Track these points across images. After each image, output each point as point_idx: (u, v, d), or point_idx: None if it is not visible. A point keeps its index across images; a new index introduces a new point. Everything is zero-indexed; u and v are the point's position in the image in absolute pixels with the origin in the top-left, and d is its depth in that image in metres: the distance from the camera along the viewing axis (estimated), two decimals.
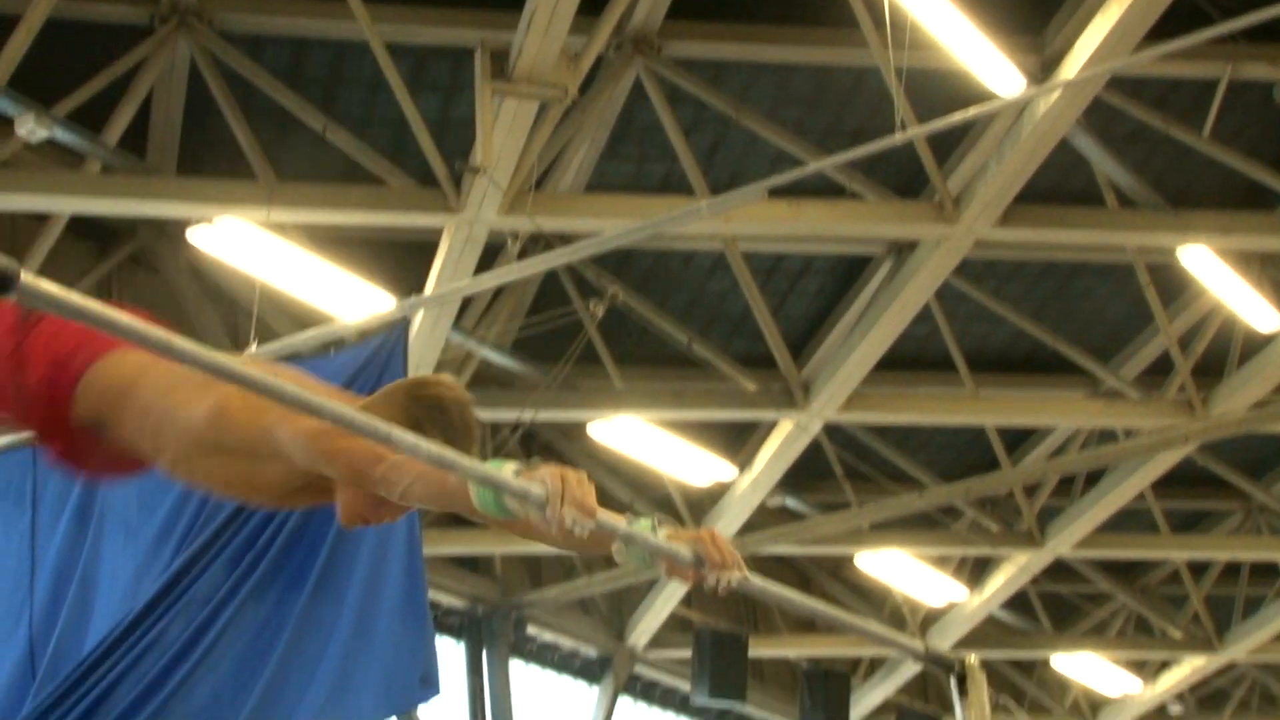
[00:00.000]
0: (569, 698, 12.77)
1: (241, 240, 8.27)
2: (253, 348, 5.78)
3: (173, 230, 9.43)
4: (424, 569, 5.29)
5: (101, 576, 5.44)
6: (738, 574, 2.96)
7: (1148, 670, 15.52)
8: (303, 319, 8.99)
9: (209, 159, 8.94)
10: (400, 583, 5.18)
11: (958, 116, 7.21)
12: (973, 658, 4.21)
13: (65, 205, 8.54)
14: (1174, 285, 10.91)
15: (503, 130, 7.89)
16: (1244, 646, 14.66)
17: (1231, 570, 14.79)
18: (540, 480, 2.60)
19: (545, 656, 12.73)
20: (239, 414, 2.97)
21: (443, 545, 11.33)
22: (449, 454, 2.54)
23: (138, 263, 9.80)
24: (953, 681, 4.15)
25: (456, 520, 11.60)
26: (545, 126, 8.25)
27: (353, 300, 8.54)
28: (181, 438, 3.04)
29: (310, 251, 8.56)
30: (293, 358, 6.67)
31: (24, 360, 3.07)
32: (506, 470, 2.62)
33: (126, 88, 8.38)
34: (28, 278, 2.06)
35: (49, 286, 2.09)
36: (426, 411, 2.97)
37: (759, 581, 3.16)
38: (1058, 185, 9.87)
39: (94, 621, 5.33)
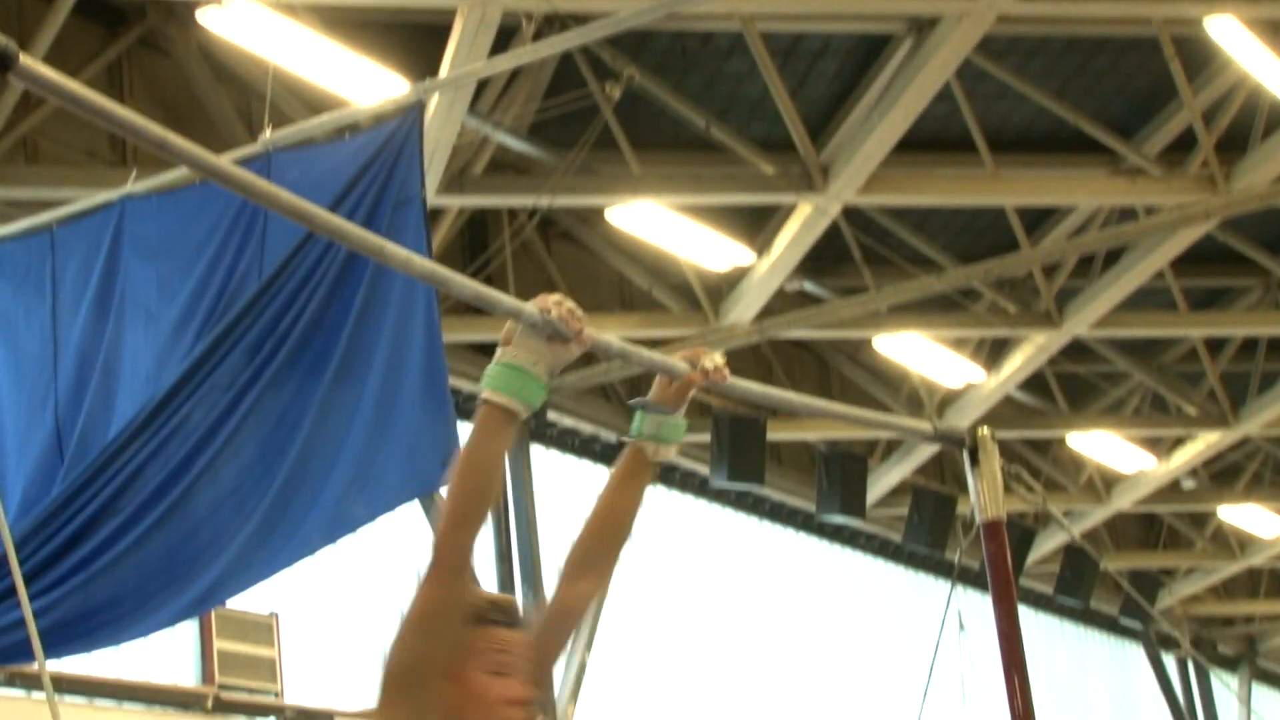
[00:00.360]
0: (589, 482, 12.94)
1: (253, 22, 8.14)
2: (267, 133, 5.71)
3: (182, 12, 9.27)
4: (444, 353, 5.31)
5: (124, 362, 5.48)
6: (718, 359, 3.31)
7: (1162, 447, 15.67)
8: (316, 103, 8.89)
9: None
10: (421, 368, 5.21)
11: None
12: (984, 430, 4.24)
13: None
14: (1200, 58, 10.72)
15: None
16: (1258, 421, 14.77)
17: (1248, 346, 14.82)
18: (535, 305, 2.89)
19: (565, 442, 12.86)
20: None
21: (462, 332, 11.37)
22: (494, 294, 2.65)
23: (147, 45, 9.66)
24: (965, 456, 4.18)
25: (476, 308, 11.61)
26: None
27: (366, 84, 8.44)
28: None
29: (323, 34, 8.42)
30: (307, 143, 6.61)
31: None
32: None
33: None
34: (27, 60, 2.01)
35: (47, 71, 2.04)
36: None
37: (758, 389, 3.29)
38: None
39: (118, 406, 5.38)
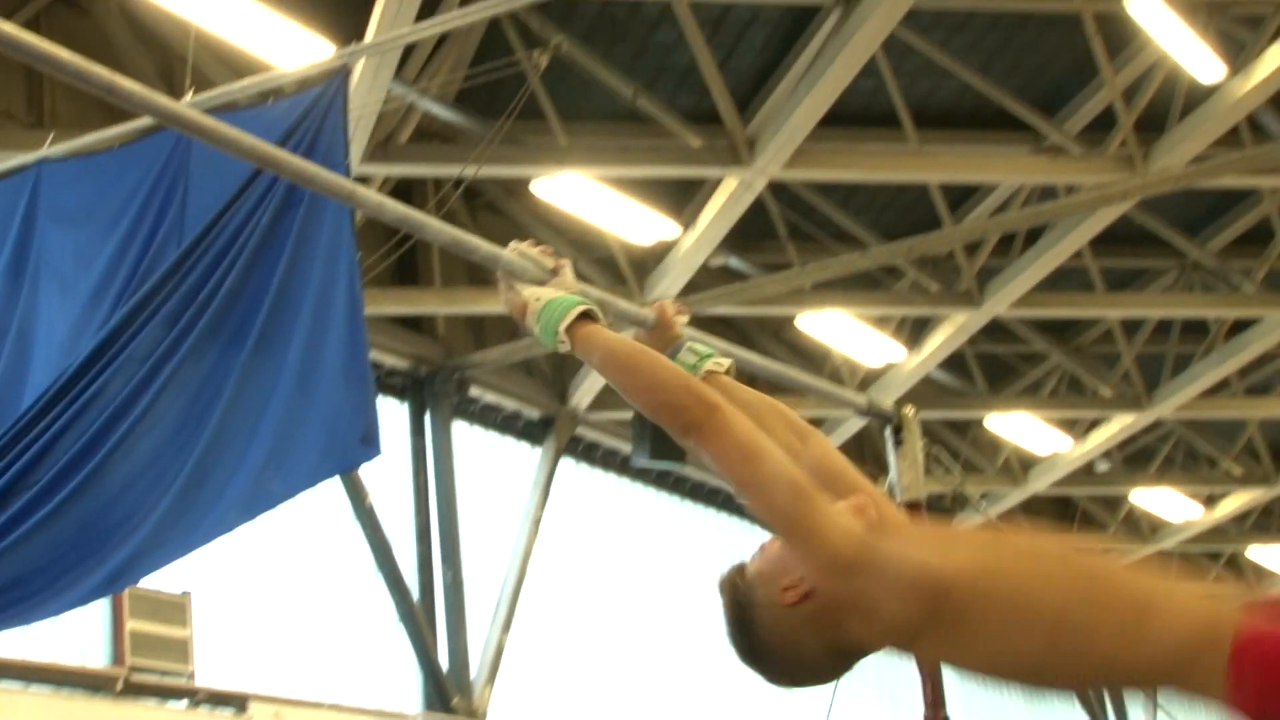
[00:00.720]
0: (511, 459, 12.85)
1: None
2: (189, 96, 5.57)
3: None
4: (365, 328, 5.19)
5: (38, 331, 5.33)
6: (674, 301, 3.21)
7: (1078, 429, 15.82)
8: (240, 67, 8.70)
9: None
10: (341, 342, 5.09)
11: None
12: (909, 409, 4.21)
13: None
14: (1121, 37, 10.77)
15: None
16: (1171, 404, 14.93)
17: (1163, 328, 14.98)
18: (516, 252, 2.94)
19: (488, 418, 12.75)
20: None
21: (385, 305, 11.22)
22: (473, 240, 2.57)
23: (66, 3, 9.42)
24: (888, 434, 4.15)
25: (399, 279, 11.48)
26: None
27: (291, 48, 8.27)
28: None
29: None
30: (229, 107, 6.45)
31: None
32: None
33: None
34: None
35: None
36: None
37: (702, 337, 3.21)
38: None
39: (31, 377, 5.23)
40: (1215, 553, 19.97)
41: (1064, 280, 13.41)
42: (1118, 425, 15.30)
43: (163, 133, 5.43)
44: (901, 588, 2.30)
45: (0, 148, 7.98)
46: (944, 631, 2.28)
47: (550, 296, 2.81)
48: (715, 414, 2.50)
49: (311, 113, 5.49)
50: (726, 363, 3.04)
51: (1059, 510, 18.94)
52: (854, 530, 2.40)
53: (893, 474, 4.07)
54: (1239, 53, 10.51)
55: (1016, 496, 16.51)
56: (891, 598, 2.31)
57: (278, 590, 10.53)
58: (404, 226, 2.44)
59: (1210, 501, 17.81)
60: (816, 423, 14.80)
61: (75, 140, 5.54)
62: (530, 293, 2.85)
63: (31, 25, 9.15)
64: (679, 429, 2.50)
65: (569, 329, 2.73)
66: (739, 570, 2.53)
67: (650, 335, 3.24)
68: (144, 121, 5.53)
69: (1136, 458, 17.41)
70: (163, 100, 2.07)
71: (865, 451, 15.83)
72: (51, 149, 5.58)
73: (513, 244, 3.01)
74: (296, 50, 8.21)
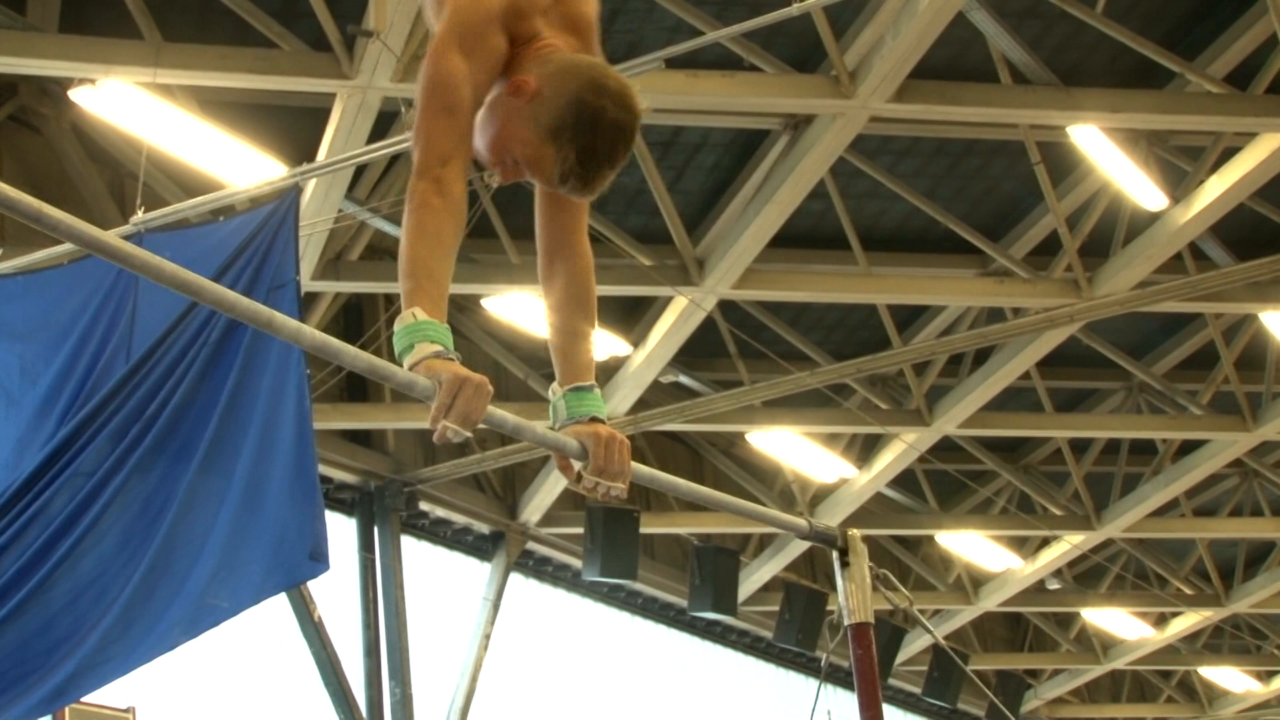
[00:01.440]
0: (461, 574, 12.80)
1: (127, 102, 8.04)
2: (139, 214, 5.63)
3: (55, 90, 9.14)
4: (314, 443, 5.22)
5: None
6: (620, 486, 2.94)
7: (1028, 547, 15.89)
8: (191, 185, 8.78)
9: (92, 16, 8.63)
10: (290, 457, 5.12)
11: None
12: (854, 532, 4.26)
13: None
14: (1064, 164, 11.00)
15: None
16: (1120, 524, 15.02)
17: (1112, 448, 15.12)
18: (434, 380, 2.58)
19: (437, 532, 12.72)
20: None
21: (334, 420, 11.23)
22: (389, 367, 2.57)
23: (19, 122, 9.49)
24: (835, 556, 4.19)
25: (350, 394, 11.50)
26: None
27: (243, 167, 8.35)
28: None
29: (199, 116, 8.33)
30: (180, 225, 6.51)
31: None
32: (419, 350, 2.58)
33: None
34: None
35: None
36: (578, 121, 2.79)
37: (646, 470, 3.17)
38: (953, 61, 9.87)
39: None
40: (1168, 672, 20.01)
41: (1013, 400, 13.55)
42: (1068, 544, 15.38)
43: None
44: None
45: None
46: None
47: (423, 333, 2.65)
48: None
49: (263, 230, 5.56)
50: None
51: (1010, 627, 18.95)
52: None
53: (840, 597, 4.10)
54: (1180, 181, 10.75)
55: (968, 614, 16.52)
56: None
57: (223, 705, 10.40)
58: (321, 354, 2.47)
59: (1161, 621, 17.86)
60: (766, 540, 14.84)
61: (24, 257, 5.57)
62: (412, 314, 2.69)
63: None
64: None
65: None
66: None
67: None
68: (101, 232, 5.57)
69: (1087, 576, 17.48)
70: (88, 229, 2.12)
71: (817, 567, 15.86)
72: (0, 265, 5.61)
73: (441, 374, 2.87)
74: (249, 169, 8.30)
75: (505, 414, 2.74)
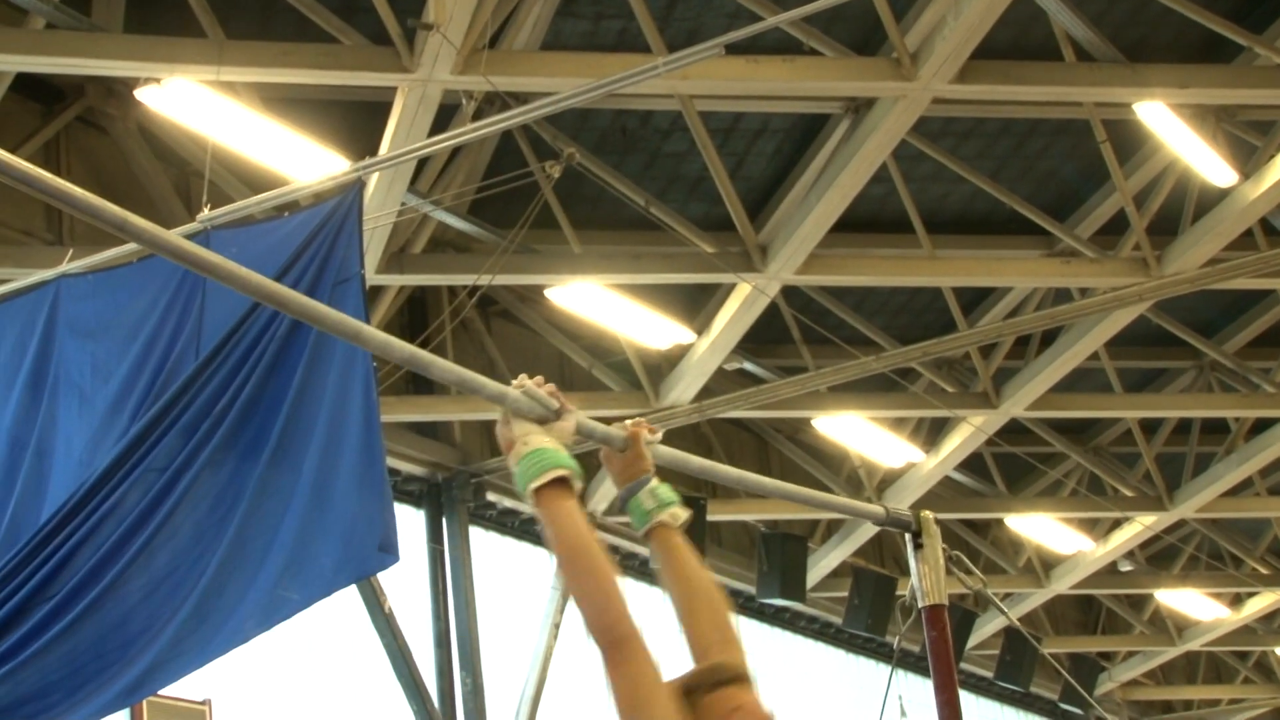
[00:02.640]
0: (528, 564, 12.84)
1: (191, 100, 8.11)
2: (205, 211, 5.67)
3: (121, 90, 9.23)
4: (382, 436, 5.24)
5: (57, 444, 5.38)
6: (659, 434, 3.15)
7: (1099, 529, 15.75)
8: (255, 181, 8.85)
9: (157, 16, 8.71)
10: (358, 449, 5.14)
11: None
12: (928, 514, 4.23)
13: (8, 63, 8.32)
14: (1131, 141, 10.88)
15: None
16: (1193, 505, 14.86)
17: (1183, 428, 14.96)
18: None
19: (505, 523, 12.76)
20: None
21: (401, 412, 11.30)
22: (478, 379, 2.65)
23: (86, 123, 9.60)
24: (908, 538, 4.16)
25: (415, 387, 11.56)
26: None
27: (306, 162, 8.41)
28: None
29: (262, 112, 8.39)
30: (245, 221, 6.55)
31: None
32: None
33: None
34: None
35: None
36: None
37: (722, 468, 3.21)
38: (1016, 40, 9.78)
39: (50, 490, 5.28)
40: (1244, 652, 19.79)
41: (1081, 381, 13.43)
42: (1140, 525, 15.24)
43: None
44: None
45: (21, 265, 8.13)
46: None
47: (537, 445, 2.83)
48: (630, 643, 2.67)
49: (327, 225, 5.58)
50: (683, 516, 3.10)
51: (1083, 610, 18.80)
52: None
53: (914, 579, 4.08)
54: (1249, 156, 10.60)
55: (1040, 597, 16.40)
56: None
57: (297, 697, 10.50)
58: (410, 366, 2.49)
59: (1236, 601, 17.66)
60: (834, 526, 14.79)
61: (94, 256, 5.63)
62: (521, 432, 2.86)
63: (52, 145, 9.34)
64: (595, 635, 2.68)
65: (539, 489, 2.77)
66: None
67: (619, 458, 3.23)
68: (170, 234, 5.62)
69: (1160, 557, 17.31)
70: (174, 239, 2.14)
71: (885, 552, 15.79)
72: (71, 265, 5.67)
73: (520, 378, 2.97)
74: (312, 164, 8.35)
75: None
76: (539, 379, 2.96)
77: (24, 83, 8.95)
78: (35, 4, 7.96)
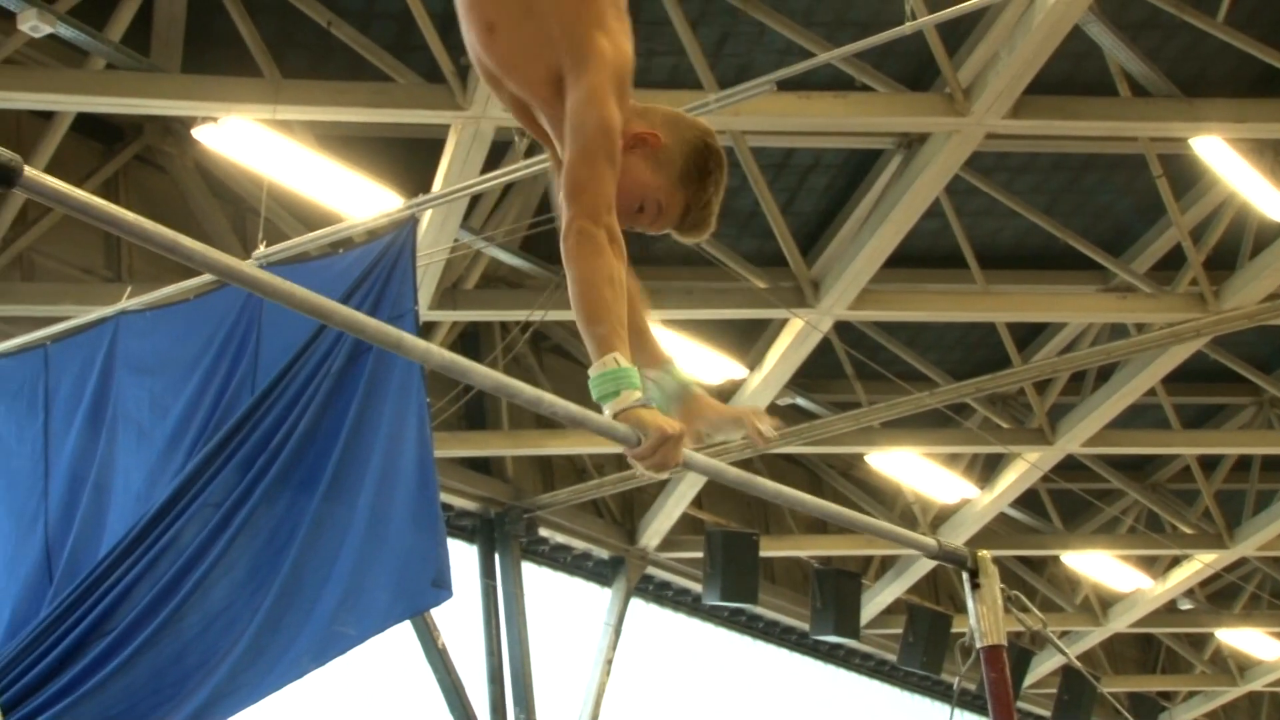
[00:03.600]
0: (582, 599, 12.82)
1: (247, 138, 8.19)
2: (261, 248, 5.73)
3: (178, 129, 9.34)
4: (435, 472, 5.27)
5: (115, 480, 5.44)
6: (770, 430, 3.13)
7: (1158, 566, 15.57)
8: (310, 218, 8.92)
9: (213, 56, 8.81)
10: (412, 485, 5.17)
11: (968, 4, 7.11)
12: (985, 553, 4.19)
13: (69, 103, 8.45)
14: (1187, 176, 10.80)
15: None
16: (1254, 542, 14.68)
17: (1243, 465, 14.78)
18: (638, 430, 2.67)
19: (557, 558, 12.76)
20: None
21: (454, 448, 11.32)
22: (517, 384, 2.63)
23: (144, 161, 9.72)
24: (965, 577, 4.12)
25: (469, 421, 11.59)
26: None
27: (360, 199, 8.47)
28: None
29: (317, 150, 8.47)
30: (301, 258, 6.61)
31: None
32: (626, 396, 2.66)
33: None
34: (31, 172, 2.01)
35: (52, 181, 2.04)
36: (699, 171, 2.96)
37: (772, 486, 3.21)
38: (1070, 75, 9.75)
39: (109, 525, 5.33)
40: None
41: (1138, 417, 13.31)
42: (1199, 563, 15.06)
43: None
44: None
45: (81, 302, 8.21)
46: None
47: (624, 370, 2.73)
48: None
49: (381, 261, 5.63)
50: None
51: (1142, 649, 18.58)
52: None
53: (972, 620, 4.04)
54: None
55: (1097, 635, 16.22)
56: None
57: None
58: (449, 372, 2.51)
59: None
60: (888, 563, 14.71)
61: (152, 293, 5.70)
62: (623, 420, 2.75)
63: (111, 183, 9.46)
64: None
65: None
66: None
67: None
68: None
69: (1221, 595, 17.09)
70: (221, 257, 2.17)
71: (940, 589, 15.68)
72: (129, 301, 5.74)
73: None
74: (366, 201, 8.41)
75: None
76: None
77: (84, 122, 9.08)
78: (95, 45, 8.08)
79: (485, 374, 2.53)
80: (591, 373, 2.72)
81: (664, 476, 2.79)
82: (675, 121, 3.00)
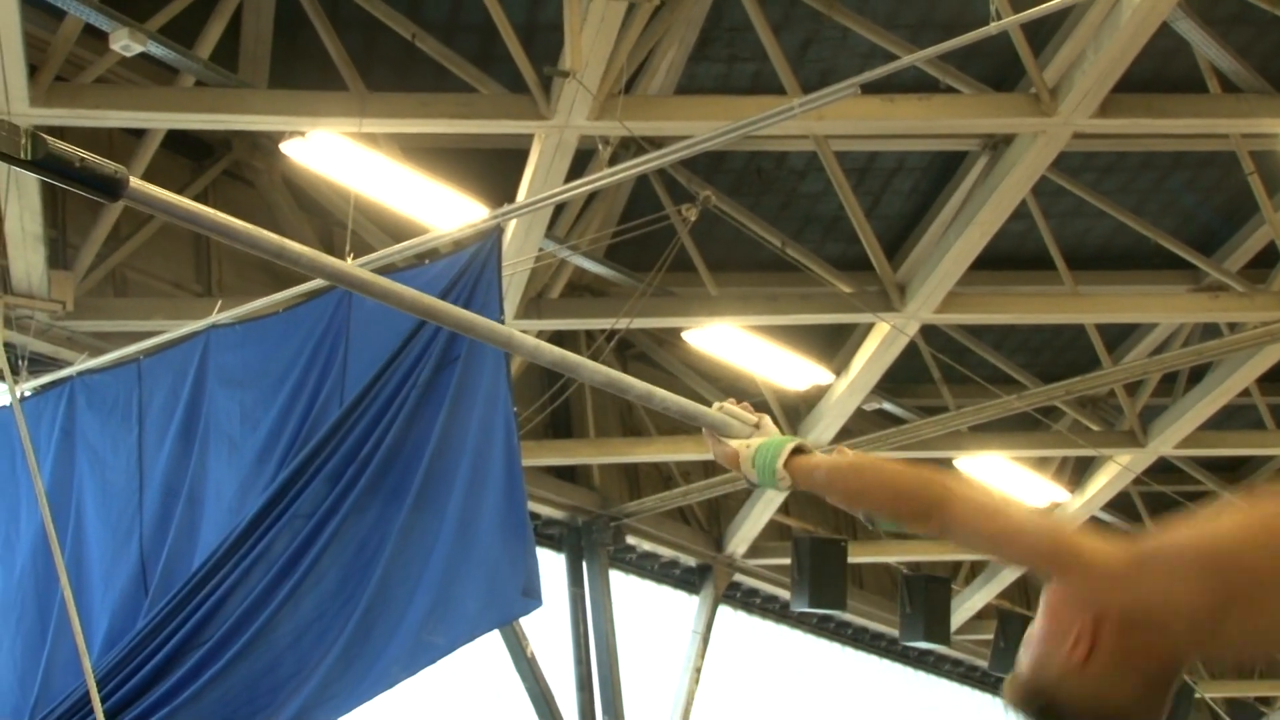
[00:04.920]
0: (670, 607, 12.82)
1: (334, 152, 8.27)
2: (349, 260, 5.78)
3: (266, 143, 9.46)
4: (523, 481, 5.28)
5: (208, 491, 5.50)
6: None
7: None
8: (396, 230, 8.99)
9: (300, 71, 8.92)
10: (500, 495, 5.18)
11: (1054, 4, 7.02)
12: None
13: (160, 120, 8.58)
14: (1279, 173, 10.62)
15: (591, 33, 7.78)
16: None
17: None
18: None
19: (645, 566, 12.77)
20: None
21: (541, 456, 11.36)
22: (627, 379, 2.66)
23: (233, 176, 9.85)
24: None
25: (554, 431, 11.63)
26: (634, 28, 8.13)
27: (445, 210, 8.52)
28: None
29: (402, 162, 8.53)
30: (388, 269, 6.66)
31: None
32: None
33: (217, 2, 8.37)
34: (136, 182, 2.06)
35: (158, 191, 2.08)
36: None
37: (601, 369, 3.24)
38: (1158, 72, 9.61)
39: (202, 536, 5.39)
40: None
41: (1232, 418, 13.10)
42: None
43: (324, 296, 5.64)
44: (1186, 569, 2.14)
45: (172, 316, 8.33)
46: (1245, 604, 2.11)
47: (759, 442, 2.87)
48: (949, 487, 2.45)
49: (467, 271, 5.65)
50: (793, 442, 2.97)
51: None
52: (1115, 541, 2.28)
53: None
54: None
55: None
56: (1180, 586, 2.14)
57: None
58: (560, 369, 2.52)
59: None
60: (977, 568, 14.51)
61: (241, 307, 5.76)
62: (739, 444, 2.91)
63: (201, 198, 9.58)
64: (920, 512, 2.46)
65: (785, 464, 2.78)
66: (1016, 674, 2.35)
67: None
68: (306, 286, 5.73)
69: None
70: (328, 260, 2.20)
71: (1030, 593, 15.50)
72: (219, 315, 5.80)
73: (716, 404, 3.02)
74: (451, 212, 8.46)
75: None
76: (732, 400, 3.01)
77: (174, 139, 9.22)
78: (185, 63, 8.19)
79: (595, 369, 2.54)
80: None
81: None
82: None
